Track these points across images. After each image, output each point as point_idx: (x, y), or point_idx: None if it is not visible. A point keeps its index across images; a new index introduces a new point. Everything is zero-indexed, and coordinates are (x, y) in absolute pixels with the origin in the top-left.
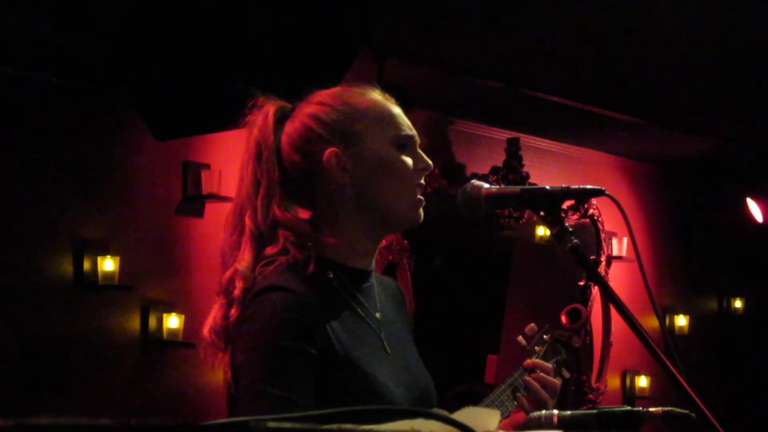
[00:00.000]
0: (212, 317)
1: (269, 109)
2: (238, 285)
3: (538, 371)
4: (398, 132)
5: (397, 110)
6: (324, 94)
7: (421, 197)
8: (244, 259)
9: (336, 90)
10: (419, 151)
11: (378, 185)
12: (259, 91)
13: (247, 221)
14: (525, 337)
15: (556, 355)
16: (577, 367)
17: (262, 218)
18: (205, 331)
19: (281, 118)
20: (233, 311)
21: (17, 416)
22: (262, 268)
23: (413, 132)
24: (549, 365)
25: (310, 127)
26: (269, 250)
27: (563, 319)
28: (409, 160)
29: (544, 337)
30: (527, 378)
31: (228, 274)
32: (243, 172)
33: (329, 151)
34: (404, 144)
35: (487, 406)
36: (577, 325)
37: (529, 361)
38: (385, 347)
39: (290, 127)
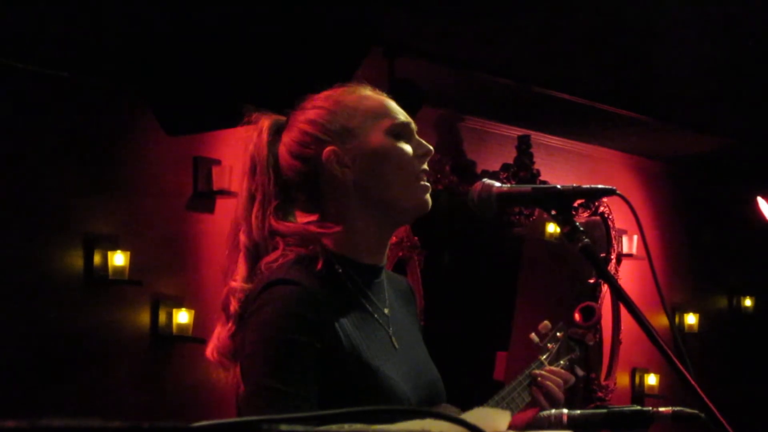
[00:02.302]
0: (215, 337)
1: (263, 124)
2: (233, 301)
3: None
4: (393, 121)
5: (389, 101)
6: (316, 98)
7: (426, 183)
8: (239, 275)
9: (327, 93)
10: (417, 137)
11: (380, 177)
12: (253, 107)
13: (242, 236)
14: (538, 334)
15: (569, 352)
16: (587, 365)
17: (257, 231)
18: (208, 352)
19: (277, 131)
20: (231, 325)
21: (27, 415)
22: (269, 265)
23: (408, 119)
24: (554, 369)
25: (306, 131)
26: (266, 259)
27: (577, 316)
28: (407, 147)
29: (558, 334)
30: (540, 380)
31: (224, 291)
32: (239, 188)
33: (327, 150)
34: (400, 132)
35: (502, 398)
36: (590, 323)
37: (536, 372)
38: (394, 343)
39: (287, 137)
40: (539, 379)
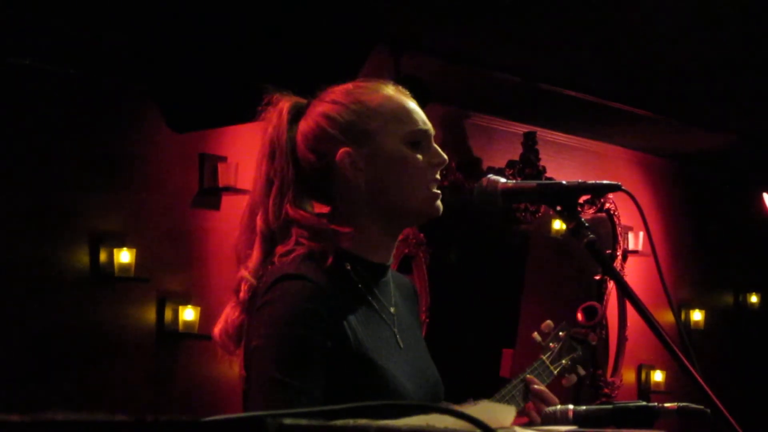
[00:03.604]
0: (224, 318)
1: (283, 106)
2: (243, 288)
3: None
4: (411, 128)
5: (411, 105)
6: (337, 92)
7: (437, 191)
8: (252, 261)
9: (349, 87)
10: (434, 145)
11: (391, 184)
12: (274, 88)
13: (259, 221)
14: (540, 333)
15: (571, 352)
16: (593, 362)
17: (273, 217)
18: (216, 331)
19: (296, 115)
20: (238, 313)
21: (34, 411)
22: (281, 258)
23: (427, 126)
24: (549, 397)
25: (323, 127)
26: (280, 249)
27: (579, 316)
28: (422, 156)
29: (560, 334)
30: (534, 387)
31: (237, 276)
32: (257, 172)
33: (342, 151)
34: (418, 140)
35: (503, 396)
36: (593, 323)
37: (535, 387)
38: (398, 342)
39: (304, 126)
40: (530, 401)
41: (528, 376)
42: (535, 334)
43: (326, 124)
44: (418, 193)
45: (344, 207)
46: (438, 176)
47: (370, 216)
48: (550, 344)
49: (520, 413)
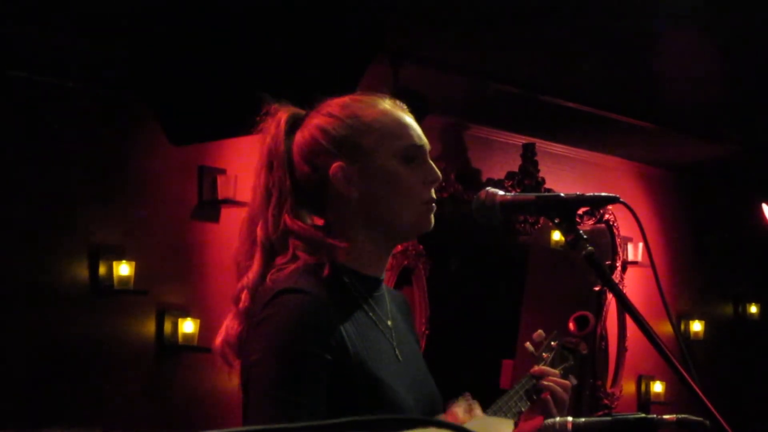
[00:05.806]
0: (225, 328)
1: (281, 116)
2: (244, 298)
3: (548, 377)
4: (406, 143)
5: (406, 120)
6: (333, 104)
7: (432, 205)
8: (252, 272)
9: (346, 100)
10: (430, 162)
11: (383, 200)
12: (272, 98)
13: (259, 231)
14: (533, 343)
15: (563, 361)
16: (593, 372)
17: (273, 228)
18: (218, 342)
19: (293, 126)
20: (239, 324)
21: (33, 425)
22: (275, 274)
23: (422, 142)
24: (556, 371)
25: (318, 140)
26: (279, 260)
27: (571, 326)
28: (416, 174)
29: (552, 343)
30: (544, 383)
31: (238, 286)
32: (256, 182)
33: (335, 165)
34: (412, 156)
35: (500, 407)
36: (584, 333)
37: (536, 368)
38: (397, 355)
39: (300, 138)
40: (544, 381)
41: (539, 367)
42: (528, 344)
43: (321, 137)
44: (409, 209)
45: (337, 220)
46: (432, 194)
47: (362, 230)
48: (543, 354)
49: (529, 413)
